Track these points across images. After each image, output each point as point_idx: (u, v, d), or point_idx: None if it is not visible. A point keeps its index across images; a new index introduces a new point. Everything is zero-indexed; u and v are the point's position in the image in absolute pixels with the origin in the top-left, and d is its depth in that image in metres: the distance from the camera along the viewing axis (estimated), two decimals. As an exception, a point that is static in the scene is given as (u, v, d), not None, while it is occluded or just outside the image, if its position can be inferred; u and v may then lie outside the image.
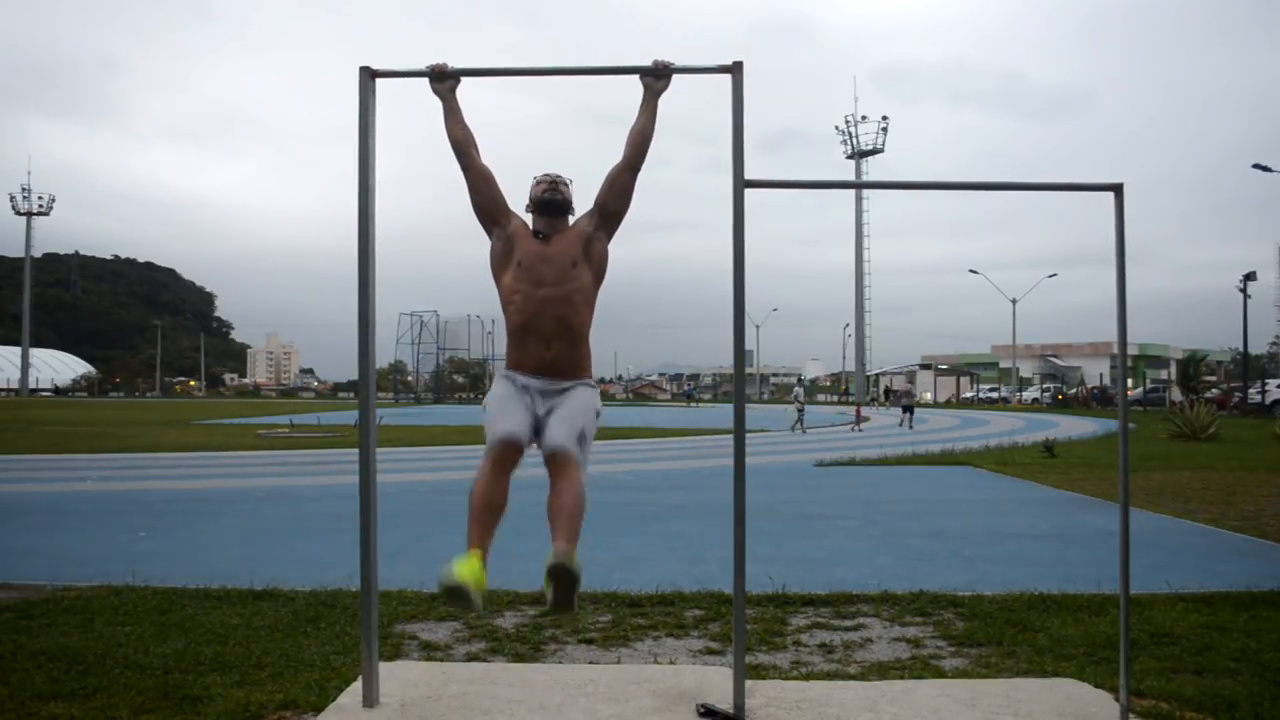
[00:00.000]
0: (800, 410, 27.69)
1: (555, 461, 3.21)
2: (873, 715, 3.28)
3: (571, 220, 3.53)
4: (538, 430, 3.31)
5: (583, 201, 3.58)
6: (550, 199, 3.43)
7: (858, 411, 30.79)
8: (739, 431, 3.34)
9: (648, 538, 7.93)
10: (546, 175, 3.51)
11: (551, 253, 3.38)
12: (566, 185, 3.50)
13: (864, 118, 73.26)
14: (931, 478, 13.30)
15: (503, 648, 4.46)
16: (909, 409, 31.62)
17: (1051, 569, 6.36)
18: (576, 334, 3.38)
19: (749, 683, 3.41)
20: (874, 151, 72.77)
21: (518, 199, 3.55)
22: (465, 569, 2.95)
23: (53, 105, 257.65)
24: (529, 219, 3.54)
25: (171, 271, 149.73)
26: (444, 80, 3.45)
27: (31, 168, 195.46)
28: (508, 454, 3.25)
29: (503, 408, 3.31)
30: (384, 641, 4.36)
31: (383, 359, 73.26)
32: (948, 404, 59.97)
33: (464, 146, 3.48)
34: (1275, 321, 59.56)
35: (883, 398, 59.09)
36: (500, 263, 3.46)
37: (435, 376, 75.14)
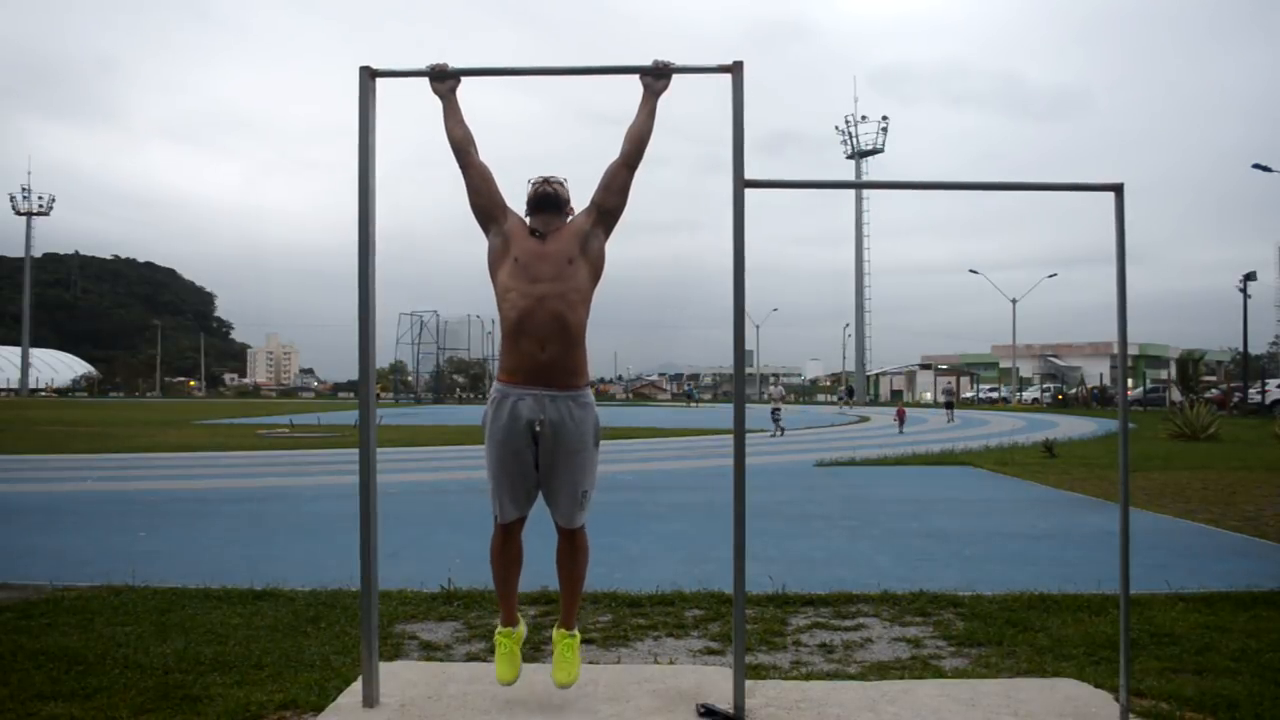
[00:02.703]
0: (776, 411, 24.88)
1: (562, 529, 3.50)
2: (873, 715, 3.28)
3: (569, 219, 3.52)
4: (537, 459, 3.38)
5: (580, 202, 3.58)
6: (545, 192, 3.40)
7: (900, 413, 28.08)
8: (739, 431, 3.34)
9: (648, 538, 7.93)
10: (543, 176, 3.51)
11: (548, 250, 3.32)
12: (562, 184, 3.50)
13: (864, 118, 73.33)
14: (931, 478, 13.30)
15: (503, 648, 4.45)
16: (950, 405, 35.65)
17: (1051, 569, 6.36)
18: (573, 334, 3.29)
19: (749, 683, 3.41)
20: (874, 151, 72.78)
21: (517, 199, 3.54)
22: (504, 670, 3.43)
23: (52, 105, 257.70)
24: (527, 219, 3.54)
25: (171, 271, 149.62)
26: (444, 80, 3.45)
27: (31, 168, 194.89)
28: (514, 529, 3.51)
29: (503, 474, 3.39)
30: (384, 641, 4.37)
31: (383, 359, 73.32)
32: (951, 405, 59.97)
33: (463, 146, 3.47)
34: (1275, 321, 59.67)
35: (846, 397, 59.17)
36: (497, 260, 3.41)
37: (435, 376, 75.14)
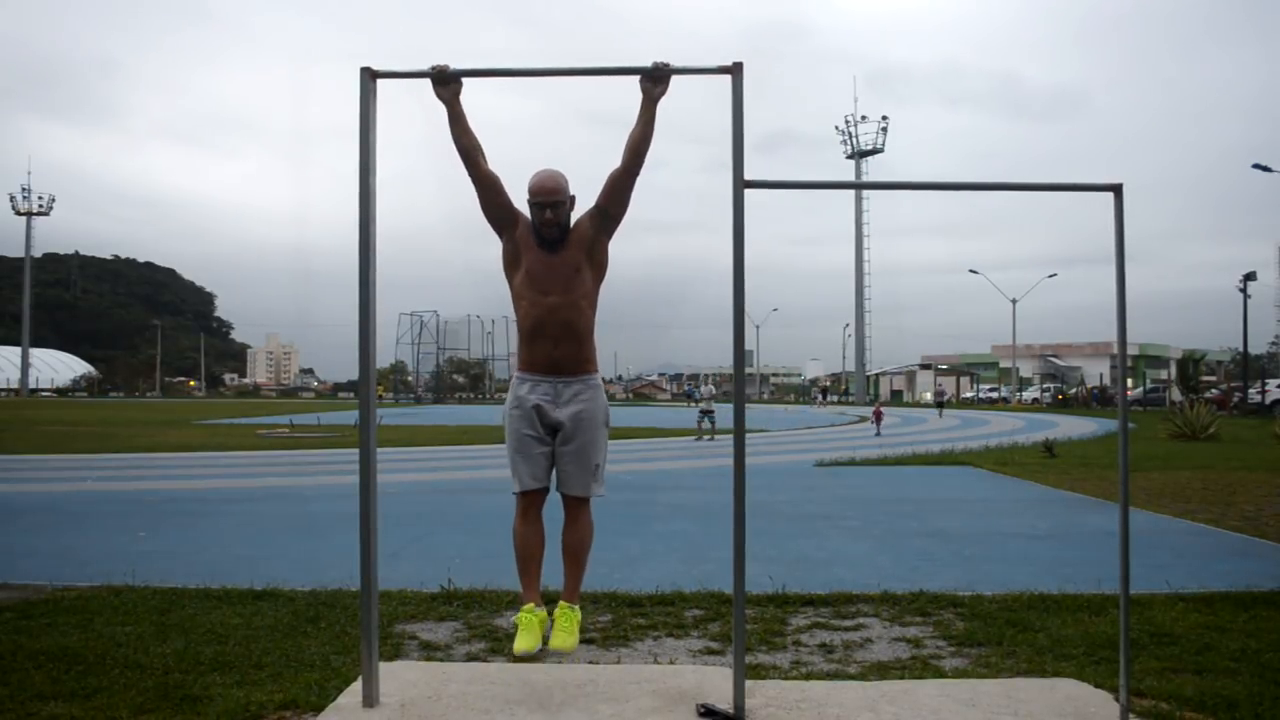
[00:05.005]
0: (707, 414, 22.26)
1: (569, 502, 3.60)
2: (873, 715, 3.28)
3: (573, 218, 3.57)
4: (554, 429, 3.55)
5: (582, 198, 3.60)
6: (549, 236, 3.53)
7: (877, 413, 26.92)
8: (739, 431, 3.34)
9: (648, 538, 7.92)
10: (540, 199, 3.50)
11: (557, 261, 3.51)
12: (564, 202, 3.53)
13: (864, 118, 73.36)
14: (931, 478, 13.30)
15: (503, 648, 4.44)
16: (940, 404, 41.58)
17: (1051, 569, 6.36)
18: (582, 333, 3.57)
19: (749, 683, 3.40)
20: (874, 151, 72.80)
21: (514, 199, 3.56)
22: (525, 640, 3.47)
23: (53, 106, 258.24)
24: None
25: (171, 271, 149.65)
26: (447, 85, 3.46)
27: (31, 168, 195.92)
28: (534, 501, 3.58)
29: (520, 450, 3.55)
30: (384, 641, 4.37)
31: (383, 359, 73.29)
32: (949, 404, 60.00)
33: (471, 154, 3.50)
34: (1275, 321, 59.72)
35: (822, 398, 59.39)
36: (510, 266, 3.61)
37: (435, 376, 75.17)
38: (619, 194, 3.52)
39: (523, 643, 3.46)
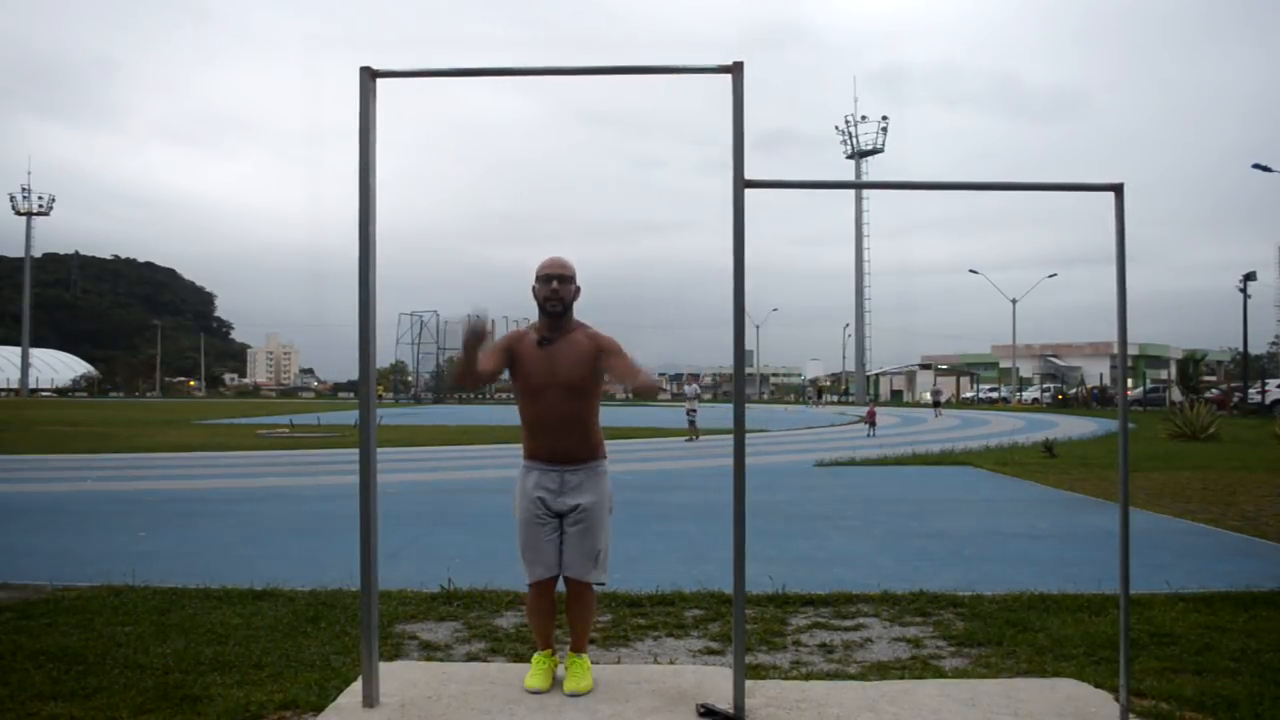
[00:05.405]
0: (692, 413, 21.64)
1: (574, 586, 3.59)
2: (873, 715, 3.28)
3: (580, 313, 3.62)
4: (560, 514, 3.54)
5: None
6: (553, 311, 3.56)
7: (871, 414, 26.04)
8: (739, 431, 3.34)
9: (648, 538, 7.92)
10: (550, 272, 3.54)
11: (554, 356, 3.52)
12: (571, 278, 3.57)
13: (864, 118, 73.38)
14: (931, 478, 13.30)
15: (503, 648, 4.46)
16: (937, 404, 43.03)
17: (1051, 569, 6.36)
18: (586, 425, 3.58)
19: (749, 683, 3.41)
20: (874, 151, 72.81)
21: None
22: (536, 680, 3.51)
23: (53, 106, 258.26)
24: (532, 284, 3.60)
25: (171, 271, 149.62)
26: (480, 338, 3.40)
27: (31, 168, 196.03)
28: (546, 587, 3.59)
29: (529, 544, 3.55)
30: (384, 641, 4.37)
31: (383, 359, 73.29)
32: (948, 404, 60.04)
33: (475, 381, 3.51)
34: (1275, 321, 59.71)
35: (816, 397, 59.72)
36: (513, 374, 3.63)
37: (435, 376, 75.15)
38: (616, 377, 3.60)
39: (535, 682, 3.53)
